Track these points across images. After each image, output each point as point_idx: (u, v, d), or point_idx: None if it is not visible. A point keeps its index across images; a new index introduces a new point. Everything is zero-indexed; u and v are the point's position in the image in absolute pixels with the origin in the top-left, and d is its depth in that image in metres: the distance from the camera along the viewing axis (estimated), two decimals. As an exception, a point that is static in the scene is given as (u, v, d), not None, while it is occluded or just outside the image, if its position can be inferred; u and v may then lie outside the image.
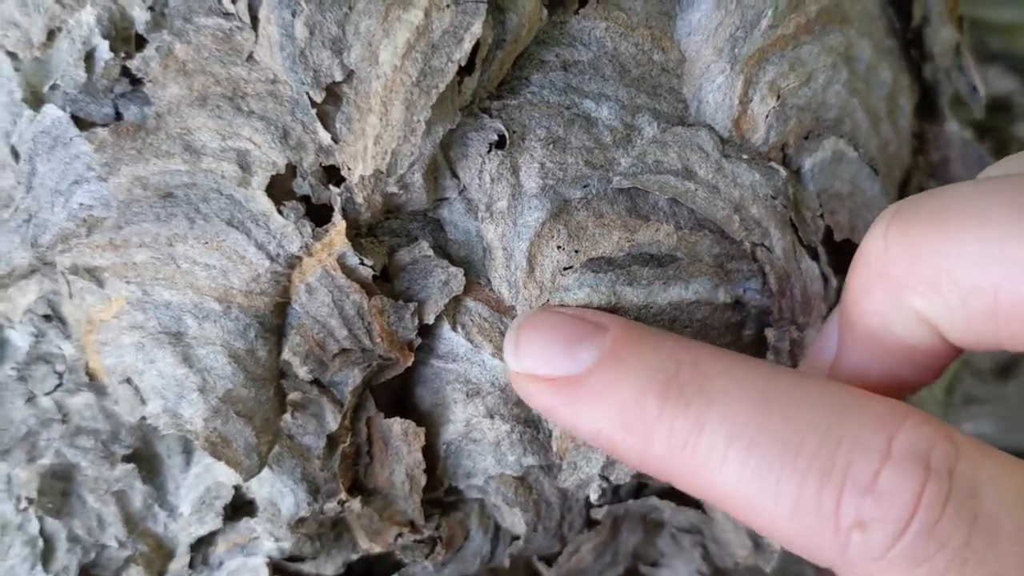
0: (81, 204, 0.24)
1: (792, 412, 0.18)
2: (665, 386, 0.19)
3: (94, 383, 0.26)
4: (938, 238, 0.18)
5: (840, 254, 0.27)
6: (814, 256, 0.25)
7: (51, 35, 0.25)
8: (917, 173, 0.31)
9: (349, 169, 0.22)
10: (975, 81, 0.29)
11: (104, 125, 0.24)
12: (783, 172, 0.24)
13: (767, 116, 0.24)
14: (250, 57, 0.23)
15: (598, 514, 0.28)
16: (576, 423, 0.21)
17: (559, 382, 0.21)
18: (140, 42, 0.24)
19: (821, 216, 0.25)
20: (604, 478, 0.24)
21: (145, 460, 0.27)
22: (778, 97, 0.24)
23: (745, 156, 0.24)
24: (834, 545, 0.17)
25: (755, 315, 0.25)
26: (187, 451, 0.27)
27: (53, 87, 0.24)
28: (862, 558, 0.17)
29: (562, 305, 0.23)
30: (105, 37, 0.24)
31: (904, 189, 0.30)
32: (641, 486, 0.29)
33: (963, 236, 0.17)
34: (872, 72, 0.27)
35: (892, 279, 0.18)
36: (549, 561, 0.29)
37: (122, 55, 0.24)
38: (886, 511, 0.16)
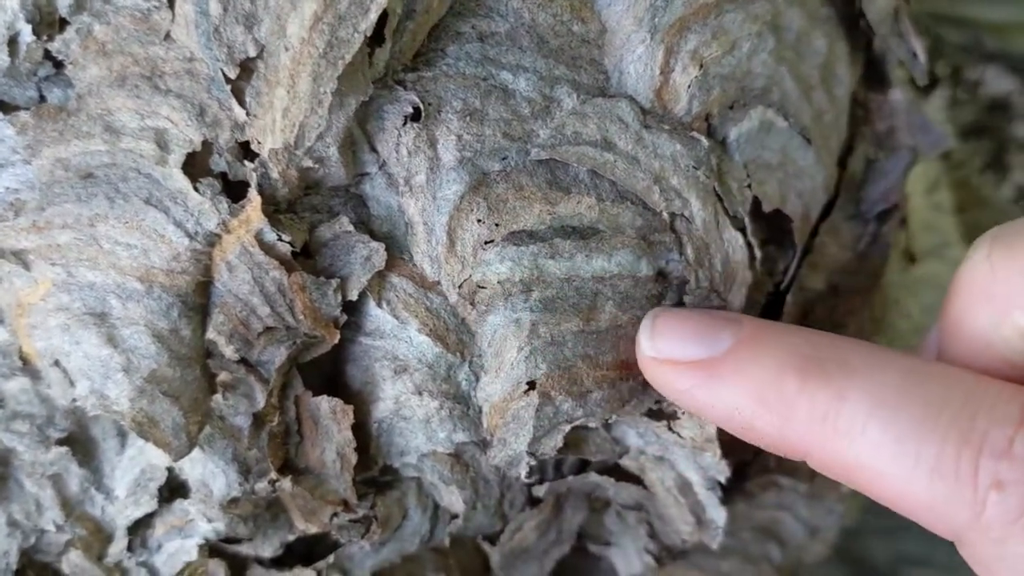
0: (7, 188, 0.24)
1: (929, 385, 0.18)
2: (804, 362, 0.20)
3: (28, 367, 0.26)
4: None
5: (770, 227, 0.26)
6: (739, 227, 0.25)
7: (-23, 22, 0.25)
8: (863, 143, 0.30)
9: (259, 143, 0.22)
10: (915, 47, 0.29)
11: (28, 109, 0.24)
12: (705, 142, 0.24)
13: (689, 86, 0.24)
14: (167, 36, 0.23)
15: (540, 491, 0.28)
16: (713, 403, 0.21)
17: (696, 364, 0.21)
18: (64, 26, 0.24)
19: (748, 186, 0.25)
20: (531, 454, 0.24)
21: (80, 443, 0.27)
22: (700, 66, 0.24)
23: (666, 127, 0.24)
24: (971, 507, 0.17)
25: (676, 286, 0.25)
26: (122, 434, 0.27)
27: (-23, 72, 0.25)
28: (998, 520, 0.17)
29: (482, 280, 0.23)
30: (29, 22, 0.24)
31: (846, 159, 0.30)
32: (584, 464, 0.28)
33: None
34: (803, 41, 0.26)
35: (998, 298, 0.19)
36: (493, 541, 0.29)
37: (45, 38, 0.24)
38: (1023, 474, 0.17)
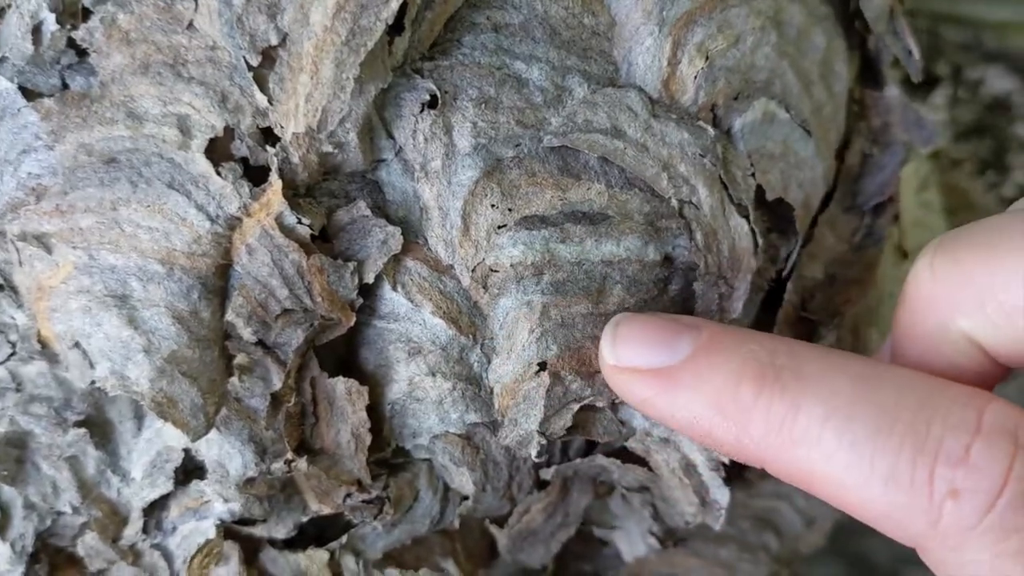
0: (29, 173, 0.25)
1: (884, 391, 0.18)
2: (761, 371, 0.20)
3: (46, 351, 0.27)
4: (983, 263, 0.19)
5: (773, 214, 0.27)
6: (744, 214, 0.25)
7: (0, 11, 0.26)
8: (859, 139, 0.31)
9: (282, 127, 0.23)
10: (910, 45, 0.30)
11: (51, 96, 0.25)
12: (711, 131, 0.25)
13: (695, 77, 0.25)
14: (190, 25, 0.24)
15: (547, 474, 0.29)
16: (672, 411, 0.21)
17: (656, 372, 0.21)
18: (87, 15, 0.25)
19: (752, 175, 0.26)
20: (541, 434, 0.25)
21: (97, 426, 0.27)
22: (706, 58, 0.25)
23: (674, 116, 0.25)
24: (927, 515, 0.17)
25: (682, 271, 0.25)
26: (138, 416, 0.27)
27: (1, 60, 0.25)
28: (955, 528, 0.17)
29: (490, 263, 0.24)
30: (52, 11, 0.24)
31: (844, 153, 0.31)
32: (590, 446, 0.29)
33: (1007, 260, 0.18)
34: (803, 36, 0.27)
35: (941, 304, 0.20)
36: (501, 523, 0.30)
37: (68, 27, 0.24)
38: (978, 482, 0.17)
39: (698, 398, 0.21)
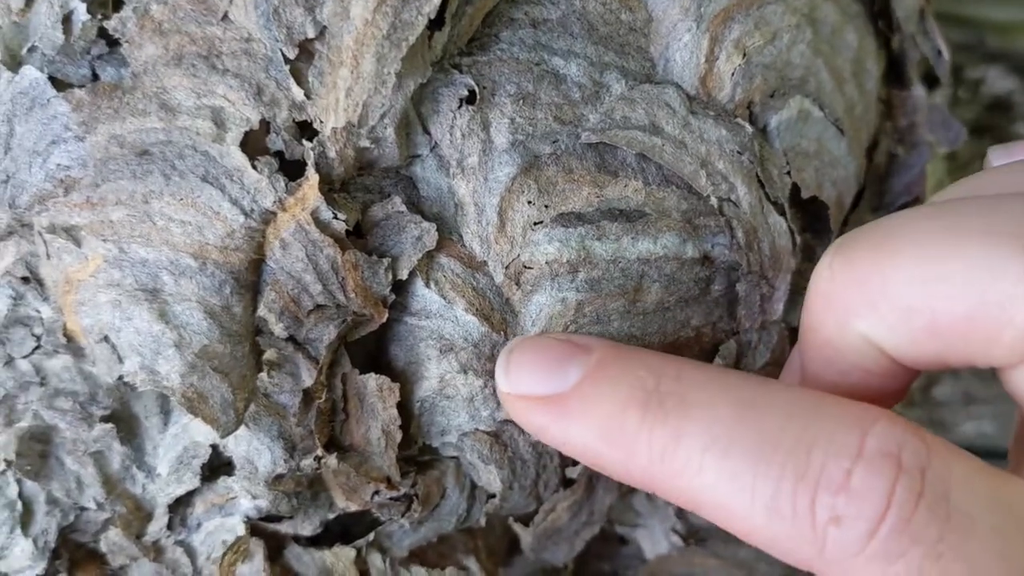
0: (59, 164, 0.25)
1: (767, 417, 0.18)
2: (645, 398, 0.19)
3: (72, 345, 0.26)
4: (877, 262, 0.18)
5: (806, 213, 0.27)
6: (781, 212, 0.25)
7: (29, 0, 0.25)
8: (885, 138, 0.31)
9: (321, 122, 0.23)
10: (940, 45, 0.30)
11: (81, 86, 0.24)
12: (749, 128, 0.25)
13: (733, 74, 0.25)
14: (225, 16, 0.24)
15: (573, 473, 0.28)
16: (565, 439, 0.21)
17: (547, 400, 0.21)
18: (117, 5, 0.24)
19: (788, 173, 0.26)
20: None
21: (123, 421, 0.27)
22: (744, 55, 0.25)
23: (712, 113, 0.25)
24: (812, 543, 0.17)
25: (724, 271, 0.25)
26: (165, 412, 0.27)
27: (31, 49, 0.25)
28: (840, 555, 0.17)
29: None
30: (83, 0, 0.24)
31: (872, 152, 0.31)
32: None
33: (899, 258, 0.18)
34: (837, 34, 0.27)
35: (838, 307, 0.19)
36: (525, 522, 0.30)
37: (99, 17, 0.24)
38: (859, 508, 0.17)
39: (587, 426, 0.20)
